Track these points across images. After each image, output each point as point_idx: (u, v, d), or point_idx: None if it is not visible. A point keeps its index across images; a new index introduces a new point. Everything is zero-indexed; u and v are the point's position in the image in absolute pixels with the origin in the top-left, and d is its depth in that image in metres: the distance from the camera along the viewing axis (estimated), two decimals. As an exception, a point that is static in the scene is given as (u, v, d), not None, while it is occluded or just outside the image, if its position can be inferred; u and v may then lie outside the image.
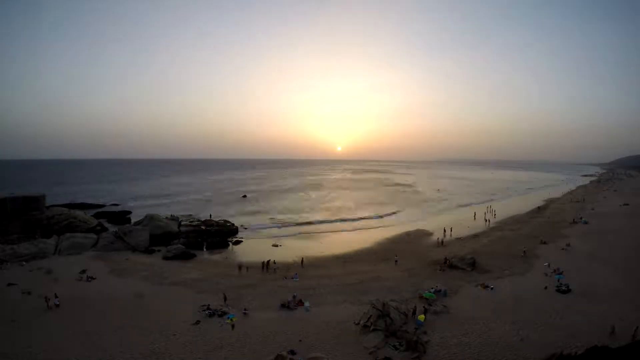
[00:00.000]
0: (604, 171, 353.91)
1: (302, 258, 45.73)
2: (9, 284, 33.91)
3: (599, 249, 46.14)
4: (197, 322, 26.68)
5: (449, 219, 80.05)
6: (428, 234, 63.73)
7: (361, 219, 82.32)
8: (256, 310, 29.23)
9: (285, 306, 29.75)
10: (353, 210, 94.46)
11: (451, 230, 63.23)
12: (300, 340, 23.81)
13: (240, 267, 41.98)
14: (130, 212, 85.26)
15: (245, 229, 69.98)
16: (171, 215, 71.12)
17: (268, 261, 43.29)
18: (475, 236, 60.31)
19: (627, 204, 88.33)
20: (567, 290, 31.55)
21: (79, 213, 66.02)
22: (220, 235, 61.29)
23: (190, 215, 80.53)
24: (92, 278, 36.76)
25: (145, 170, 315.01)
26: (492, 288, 32.80)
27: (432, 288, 32.80)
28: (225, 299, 31.14)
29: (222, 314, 28.12)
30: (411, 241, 58.00)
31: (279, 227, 72.91)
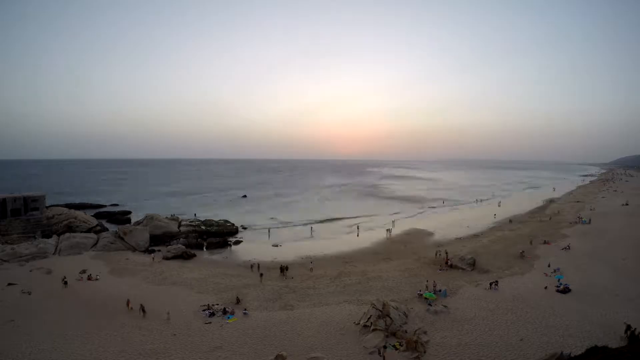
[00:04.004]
0: (604, 171, 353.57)
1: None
2: (9, 284, 33.90)
3: (599, 249, 46.11)
4: (198, 322, 26.67)
5: (448, 219, 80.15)
6: (428, 234, 63.76)
7: (357, 217, 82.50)
8: (256, 310, 29.24)
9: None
10: (352, 211, 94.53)
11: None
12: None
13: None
14: (130, 212, 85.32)
15: (245, 228, 70.05)
16: (171, 215, 71.12)
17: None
18: (475, 236, 60.32)
19: (627, 204, 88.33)
20: (567, 290, 31.55)
21: (79, 213, 66.03)
22: (220, 235, 61.32)
23: (196, 214, 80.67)
24: (94, 278, 36.75)
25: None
26: (496, 283, 32.94)
27: (435, 285, 32.86)
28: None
29: (222, 314, 28.13)
30: (411, 241, 58.00)
31: (279, 227, 73.00)
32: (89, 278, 36.65)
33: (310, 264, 42.97)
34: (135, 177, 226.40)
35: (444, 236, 60.81)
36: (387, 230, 65.37)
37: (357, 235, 64.26)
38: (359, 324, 25.52)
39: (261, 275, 38.43)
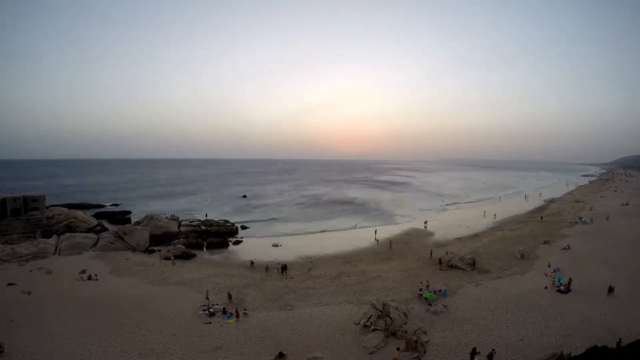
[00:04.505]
0: (604, 171, 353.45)
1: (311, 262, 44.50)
2: (9, 284, 33.90)
3: (599, 249, 46.12)
4: (198, 322, 26.68)
5: (448, 219, 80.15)
6: (428, 233, 63.77)
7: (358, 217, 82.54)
8: (256, 310, 29.25)
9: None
10: (353, 210, 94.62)
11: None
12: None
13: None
14: (130, 212, 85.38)
15: (245, 228, 70.06)
16: (171, 215, 71.15)
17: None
18: (475, 236, 60.33)
19: (627, 204, 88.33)
20: (567, 290, 31.55)
21: (79, 213, 66.06)
22: (220, 235, 61.33)
23: (193, 214, 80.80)
24: (94, 278, 36.76)
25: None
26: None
27: (428, 285, 32.87)
28: (230, 297, 31.15)
29: (222, 314, 28.14)
30: (411, 241, 58.03)
31: (279, 227, 72.97)
32: (89, 278, 36.68)
33: (310, 264, 43.00)
34: (135, 177, 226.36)
35: (444, 236, 60.82)
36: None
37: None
38: (359, 324, 25.51)
39: (266, 269, 38.23)
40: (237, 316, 27.56)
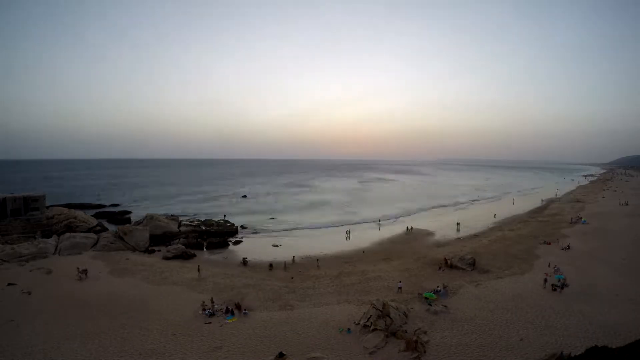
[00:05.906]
0: (604, 171, 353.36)
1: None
2: (9, 284, 33.88)
3: (599, 249, 46.09)
4: (198, 322, 26.67)
5: (448, 219, 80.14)
6: (428, 233, 63.76)
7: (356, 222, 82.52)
8: (256, 310, 29.25)
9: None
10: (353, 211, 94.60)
11: None
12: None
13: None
14: (130, 212, 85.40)
15: (245, 228, 70.07)
16: (171, 215, 71.15)
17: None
18: (475, 236, 60.31)
19: (627, 204, 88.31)
20: (562, 288, 31.49)
21: (79, 213, 66.05)
22: (220, 235, 61.34)
23: (193, 214, 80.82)
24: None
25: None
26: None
27: (433, 288, 32.85)
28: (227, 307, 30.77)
29: (224, 313, 28.13)
30: (411, 241, 58.00)
31: (279, 227, 72.99)
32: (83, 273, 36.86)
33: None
34: (136, 177, 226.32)
35: (444, 236, 60.81)
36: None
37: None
38: (359, 324, 25.51)
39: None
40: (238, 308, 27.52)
